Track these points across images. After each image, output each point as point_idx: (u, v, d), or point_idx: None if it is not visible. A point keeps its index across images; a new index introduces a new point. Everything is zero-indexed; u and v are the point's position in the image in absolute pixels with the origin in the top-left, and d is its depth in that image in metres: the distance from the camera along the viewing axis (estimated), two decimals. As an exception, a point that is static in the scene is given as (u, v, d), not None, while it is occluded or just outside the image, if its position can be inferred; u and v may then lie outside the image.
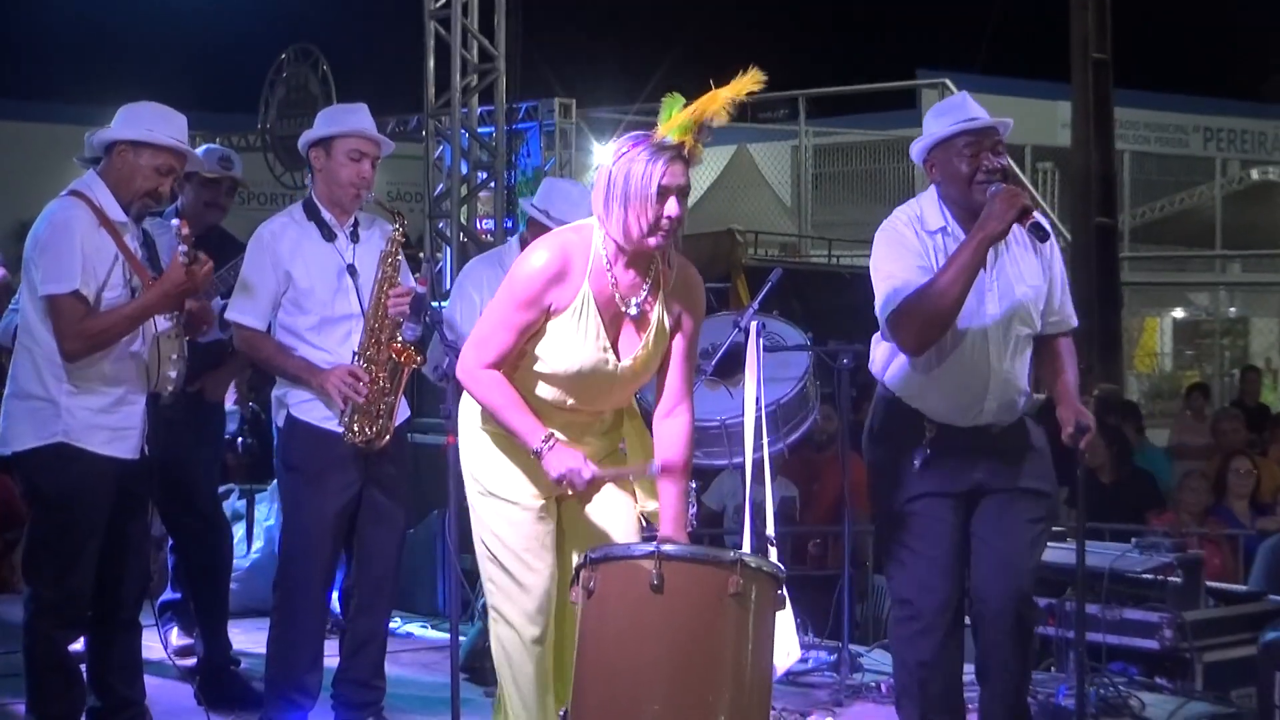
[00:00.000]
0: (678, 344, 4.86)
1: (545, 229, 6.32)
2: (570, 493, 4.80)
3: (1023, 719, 5.54)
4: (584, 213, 6.39)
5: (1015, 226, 5.28)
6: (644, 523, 5.01)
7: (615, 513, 4.95)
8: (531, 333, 4.74)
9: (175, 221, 5.64)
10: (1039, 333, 5.50)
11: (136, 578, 5.84)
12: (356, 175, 6.00)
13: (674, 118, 4.60)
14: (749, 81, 4.63)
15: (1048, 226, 5.38)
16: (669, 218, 4.59)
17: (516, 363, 4.78)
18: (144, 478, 5.72)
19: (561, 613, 4.89)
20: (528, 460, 4.79)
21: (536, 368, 4.78)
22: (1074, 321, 5.57)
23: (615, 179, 4.61)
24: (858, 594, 8.52)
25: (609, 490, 4.95)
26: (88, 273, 5.43)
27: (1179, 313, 23.74)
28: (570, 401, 4.82)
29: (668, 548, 4.46)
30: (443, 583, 8.27)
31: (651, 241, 4.63)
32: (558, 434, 4.75)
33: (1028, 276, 5.43)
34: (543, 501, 4.88)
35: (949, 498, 5.47)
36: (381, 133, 6.18)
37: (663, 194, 4.57)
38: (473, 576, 5.55)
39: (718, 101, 4.61)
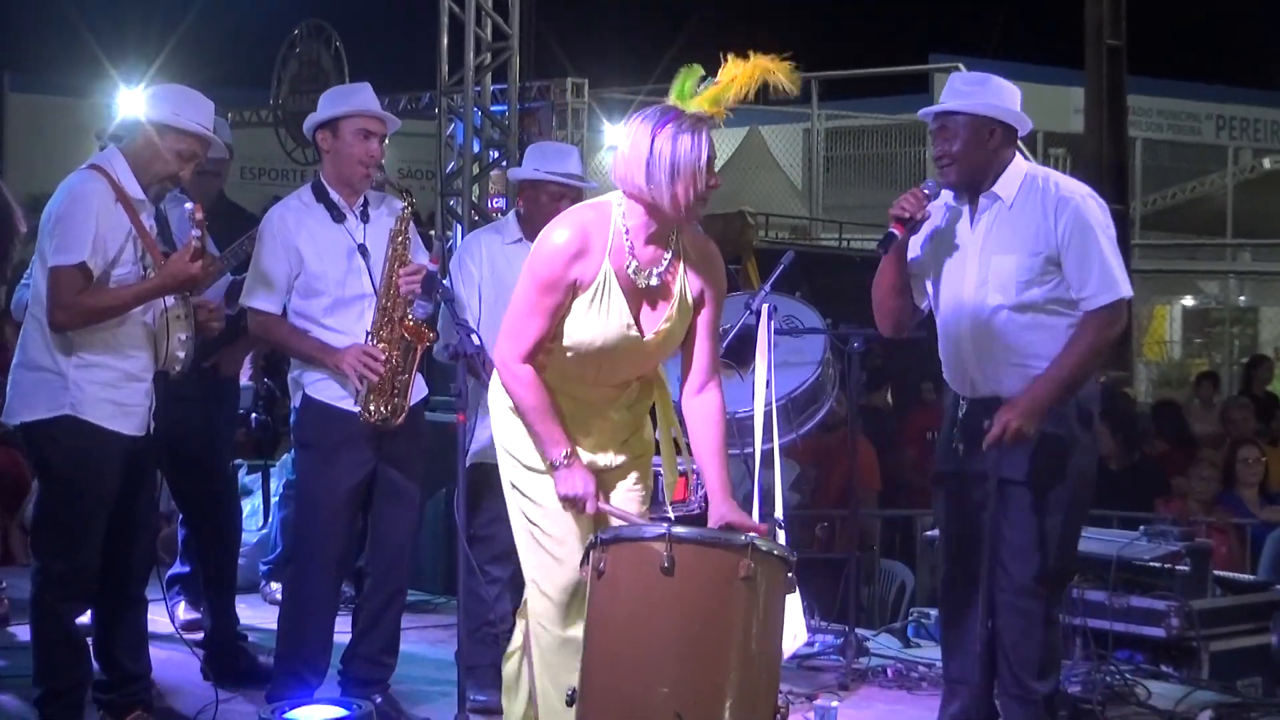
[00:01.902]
0: (702, 318, 4.87)
1: (538, 191, 6.36)
2: (576, 509, 4.81)
3: (1028, 704, 5.54)
4: (573, 164, 6.44)
5: (1017, 191, 5.44)
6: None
7: (646, 489, 4.99)
8: (562, 313, 4.74)
9: (189, 205, 5.63)
10: (1024, 304, 5.39)
11: (143, 553, 5.86)
12: (365, 154, 6.00)
13: (709, 90, 4.63)
14: (785, 69, 4.68)
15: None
16: (713, 188, 4.63)
17: (551, 345, 4.79)
18: (151, 453, 5.73)
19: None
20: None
21: (563, 343, 4.79)
22: (1096, 301, 5.36)
23: (660, 152, 4.58)
24: (865, 578, 8.53)
25: (641, 470, 4.98)
26: (98, 247, 5.43)
27: (1189, 301, 23.69)
28: (594, 374, 4.84)
29: (679, 529, 4.46)
30: (451, 559, 8.28)
31: (693, 209, 4.65)
32: (579, 452, 4.80)
33: (1015, 244, 5.41)
34: None
35: (967, 477, 5.52)
36: (394, 109, 6.20)
37: (710, 165, 4.60)
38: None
39: (753, 75, 4.64)
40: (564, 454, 4.76)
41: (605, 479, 4.97)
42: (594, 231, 4.73)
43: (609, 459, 4.95)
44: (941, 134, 5.48)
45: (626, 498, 5.00)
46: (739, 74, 4.64)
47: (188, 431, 6.45)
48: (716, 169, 4.66)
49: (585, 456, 4.89)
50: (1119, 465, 10.24)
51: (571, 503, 4.78)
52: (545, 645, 4.90)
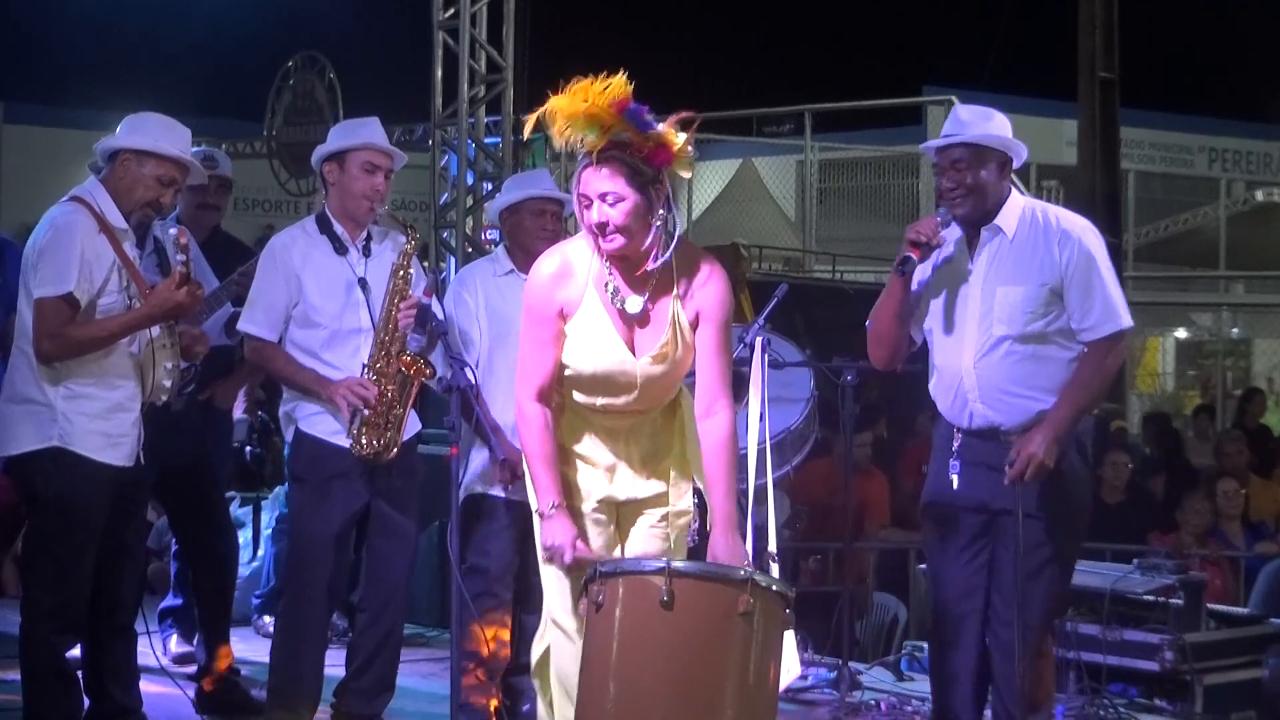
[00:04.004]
0: (704, 338, 4.87)
1: (520, 215, 6.39)
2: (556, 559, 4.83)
3: None
4: (547, 183, 6.52)
5: (1018, 224, 5.45)
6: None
7: (674, 529, 5.00)
8: (562, 341, 4.80)
9: (173, 230, 5.66)
10: (1028, 335, 5.41)
11: (132, 584, 5.86)
12: (370, 188, 6.00)
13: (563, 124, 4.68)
14: (613, 88, 4.67)
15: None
16: (594, 224, 4.68)
17: (562, 377, 4.83)
18: (139, 484, 5.74)
19: None
20: (576, 469, 4.89)
21: (565, 374, 4.83)
22: (1098, 332, 5.40)
23: None
24: (858, 611, 8.51)
25: (665, 504, 4.99)
26: (84, 277, 5.44)
27: (1181, 333, 23.69)
28: (600, 403, 4.85)
29: (678, 564, 4.47)
30: (443, 592, 8.25)
31: (602, 246, 4.72)
32: (593, 488, 4.88)
33: (1019, 275, 5.43)
34: (594, 505, 4.92)
35: (959, 510, 5.54)
36: (387, 142, 6.17)
37: (583, 203, 4.69)
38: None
39: (566, 114, 4.66)
40: (551, 505, 4.80)
41: (626, 511, 4.99)
42: (576, 259, 4.81)
43: (630, 491, 4.96)
44: (956, 166, 5.48)
45: (649, 534, 5.00)
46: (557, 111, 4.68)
47: (185, 461, 6.49)
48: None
49: (605, 490, 4.93)
50: (1113, 499, 10.24)
51: (552, 553, 4.81)
52: (567, 683, 4.88)
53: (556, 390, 4.87)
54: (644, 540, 4.99)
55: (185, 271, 5.51)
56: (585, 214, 4.71)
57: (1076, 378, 5.41)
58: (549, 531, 4.80)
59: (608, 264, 4.78)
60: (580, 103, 4.63)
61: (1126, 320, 5.43)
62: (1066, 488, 5.45)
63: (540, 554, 4.93)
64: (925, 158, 5.70)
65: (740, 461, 6.53)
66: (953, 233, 5.55)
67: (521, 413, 4.86)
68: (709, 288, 4.88)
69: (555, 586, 4.92)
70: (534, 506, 4.94)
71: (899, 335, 5.66)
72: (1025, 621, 5.42)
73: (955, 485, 5.54)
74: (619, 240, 4.71)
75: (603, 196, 4.67)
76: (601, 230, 4.69)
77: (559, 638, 4.92)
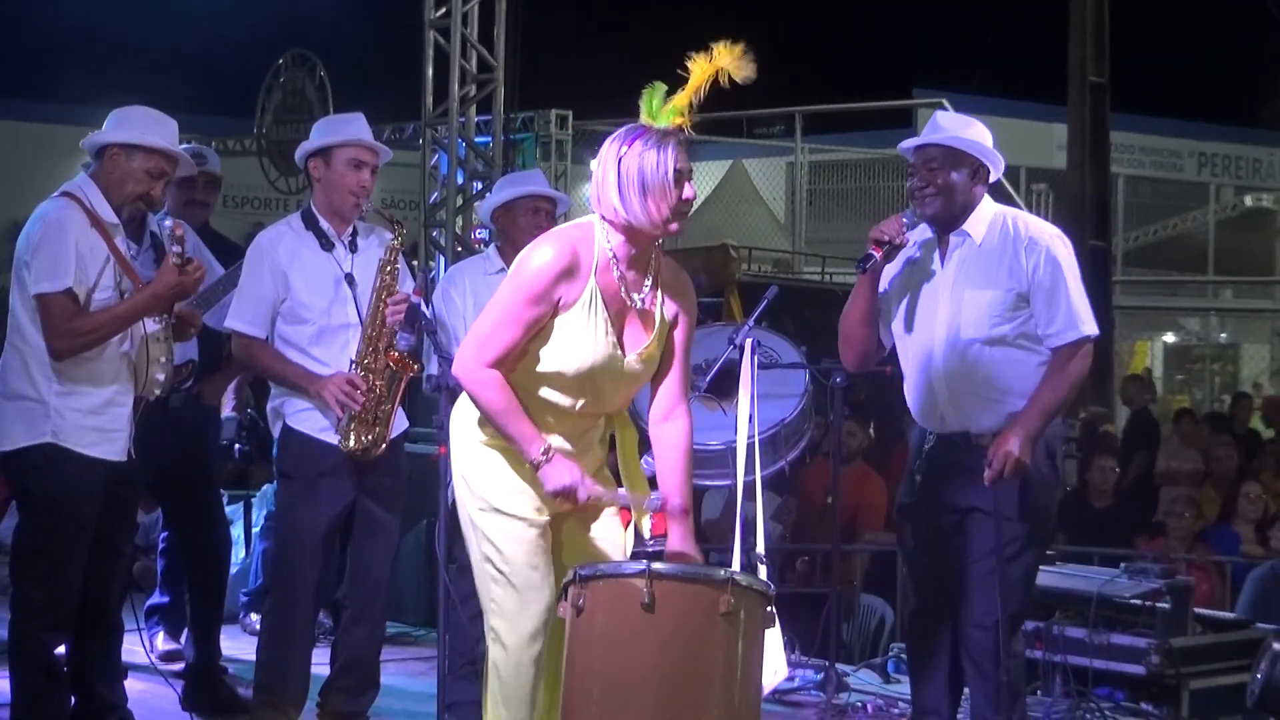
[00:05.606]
0: (676, 343, 4.84)
1: (514, 212, 6.43)
2: (567, 507, 4.74)
3: None
4: (541, 182, 6.49)
5: (986, 230, 5.51)
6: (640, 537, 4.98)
7: (610, 532, 4.92)
8: (537, 329, 4.68)
9: (168, 222, 5.66)
10: (995, 338, 5.46)
11: (120, 581, 5.85)
12: (356, 184, 6.00)
13: (669, 102, 4.63)
14: (735, 55, 4.67)
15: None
16: (687, 200, 4.64)
17: (516, 364, 4.71)
18: (130, 480, 5.73)
19: (555, 633, 4.77)
20: (530, 473, 4.72)
21: (542, 369, 4.71)
22: (1061, 339, 5.44)
23: (628, 171, 4.58)
24: (845, 613, 8.52)
25: (605, 510, 4.91)
26: (80, 272, 5.44)
27: (1170, 337, 23.76)
28: (580, 404, 4.75)
29: (658, 566, 4.44)
30: (430, 591, 8.26)
31: (674, 226, 4.66)
32: (557, 445, 4.70)
33: (987, 280, 5.48)
34: (547, 517, 4.80)
35: (931, 509, 5.57)
36: (377, 140, 6.18)
37: (678, 179, 4.59)
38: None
39: (704, 75, 4.64)
40: (542, 450, 4.65)
41: (583, 513, 4.88)
42: (581, 250, 4.69)
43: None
44: (926, 167, 5.53)
45: (609, 524, 4.92)
46: (695, 76, 4.65)
47: (178, 457, 6.47)
48: (699, 202, 4.68)
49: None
50: (1101, 503, 10.26)
51: (565, 495, 4.66)
52: (508, 695, 4.80)
53: (509, 371, 4.71)
54: (606, 540, 4.90)
55: (179, 263, 5.51)
56: (674, 192, 4.58)
57: (1044, 382, 5.44)
58: (553, 475, 4.64)
59: (615, 259, 4.70)
60: (703, 74, 4.66)
61: (1090, 328, 5.46)
62: (1031, 490, 5.48)
63: (496, 556, 4.79)
64: (914, 160, 5.71)
65: (730, 457, 6.59)
66: (920, 236, 5.61)
67: (474, 377, 4.68)
68: (687, 295, 4.87)
69: (512, 604, 4.77)
70: (490, 505, 4.79)
71: (866, 337, 5.70)
72: (981, 620, 5.45)
73: (920, 486, 5.61)
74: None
75: (689, 174, 4.65)
76: (688, 207, 4.67)
77: (506, 660, 4.79)
